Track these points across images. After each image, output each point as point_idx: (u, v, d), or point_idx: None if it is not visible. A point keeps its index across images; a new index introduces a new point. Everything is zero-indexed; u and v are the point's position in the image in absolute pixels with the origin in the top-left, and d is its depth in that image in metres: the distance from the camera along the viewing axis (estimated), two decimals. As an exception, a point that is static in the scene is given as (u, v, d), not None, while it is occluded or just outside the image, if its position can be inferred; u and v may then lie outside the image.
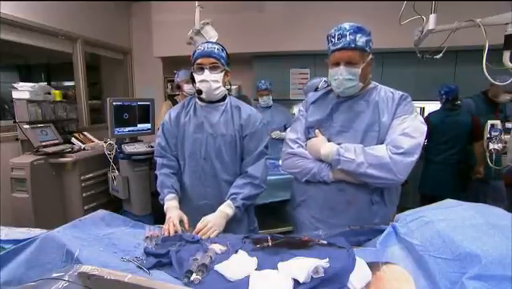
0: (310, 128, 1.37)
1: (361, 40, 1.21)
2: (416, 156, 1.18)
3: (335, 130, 1.31)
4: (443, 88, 3.04)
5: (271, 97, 3.41)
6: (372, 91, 1.31)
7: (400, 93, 1.29)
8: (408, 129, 1.19)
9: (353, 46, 1.20)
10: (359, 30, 1.21)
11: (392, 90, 1.32)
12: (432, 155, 3.07)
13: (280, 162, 1.58)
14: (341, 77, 1.24)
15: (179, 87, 3.07)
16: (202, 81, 1.39)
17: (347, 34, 1.20)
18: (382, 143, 1.23)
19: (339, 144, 1.27)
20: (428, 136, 3.04)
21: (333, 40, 1.24)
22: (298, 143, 1.38)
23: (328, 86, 1.42)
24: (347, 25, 1.22)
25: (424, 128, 1.23)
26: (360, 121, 1.27)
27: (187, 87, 2.91)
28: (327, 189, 1.31)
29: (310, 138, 1.37)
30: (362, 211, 1.28)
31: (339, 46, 1.22)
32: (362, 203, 1.27)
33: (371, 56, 1.26)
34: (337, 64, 1.25)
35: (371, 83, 1.34)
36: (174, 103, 2.99)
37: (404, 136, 1.18)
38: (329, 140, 1.31)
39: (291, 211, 1.52)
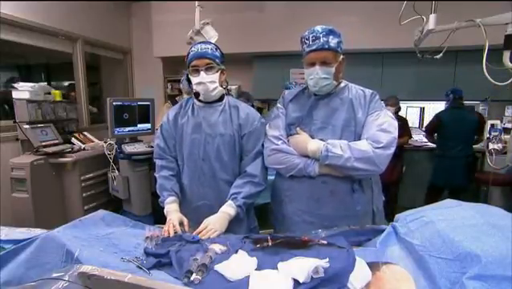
0: (291, 124, 1.43)
1: (333, 41, 1.30)
2: (392, 149, 1.29)
3: (317, 126, 1.38)
4: (449, 89, 3.35)
5: None
6: (344, 89, 1.41)
7: (370, 91, 1.40)
8: (384, 125, 1.30)
9: (327, 47, 1.29)
10: (330, 32, 1.30)
11: (361, 88, 1.42)
12: (444, 150, 3.31)
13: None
14: (317, 76, 1.32)
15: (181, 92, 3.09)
16: (199, 83, 1.39)
17: (321, 36, 1.29)
18: (359, 137, 1.34)
19: (321, 139, 1.34)
20: (439, 132, 3.36)
21: (307, 42, 1.32)
22: (281, 139, 1.42)
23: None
24: (319, 28, 1.30)
25: (396, 123, 1.34)
26: (337, 117, 1.36)
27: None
28: (312, 183, 1.37)
29: (291, 135, 1.42)
30: (344, 200, 1.36)
31: (313, 48, 1.30)
32: (344, 192, 1.36)
33: (342, 56, 1.34)
34: (312, 64, 1.33)
35: (343, 82, 1.42)
36: (175, 103, 2.99)
37: (382, 132, 1.29)
38: (312, 136, 1.38)
39: (275, 207, 1.54)
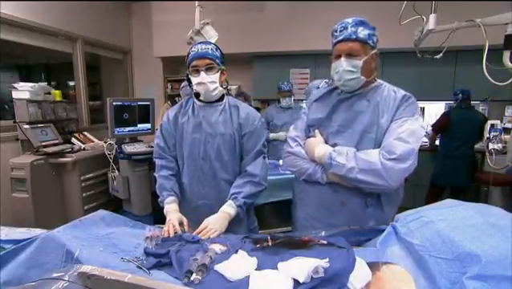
0: (310, 126, 1.36)
1: (363, 32, 1.18)
2: (409, 162, 1.13)
3: (334, 129, 1.29)
4: (458, 89, 3.37)
5: (293, 98, 3.50)
6: (376, 89, 1.27)
7: (403, 93, 1.24)
8: (404, 134, 1.15)
9: (354, 37, 1.18)
10: (361, 23, 1.20)
11: (395, 89, 1.27)
12: (449, 149, 3.31)
13: (280, 162, 1.58)
14: (341, 68, 1.20)
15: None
16: (199, 83, 1.38)
17: (349, 26, 1.19)
18: (380, 145, 1.19)
19: (335, 144, 1.26)
20: (446, 131, 3.35)
21: (336, 34, 1.23)
22: (297, 141, 1.38)
23: (330, 85, 1.42)
24: (349, 19, 1.21)
25: (422, 132, 1.19)
26: (359, 122, 1.24)
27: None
28: (323, 190, 1.31)
29: (309, 137, 1.36)
30: (356, 213, 1.26)
31: (340, 38, 1.21)
32: (356, 205, 1.26)
33: (375, 51, 1.22)
34: (338, 57, 1.23)
35: (376, 81, 1.29)
36: (174, 104, 3.00)
37: (399, 141, 1.14)
38: (327, 140, 1.30)
39: (292, 207, 1.53)
